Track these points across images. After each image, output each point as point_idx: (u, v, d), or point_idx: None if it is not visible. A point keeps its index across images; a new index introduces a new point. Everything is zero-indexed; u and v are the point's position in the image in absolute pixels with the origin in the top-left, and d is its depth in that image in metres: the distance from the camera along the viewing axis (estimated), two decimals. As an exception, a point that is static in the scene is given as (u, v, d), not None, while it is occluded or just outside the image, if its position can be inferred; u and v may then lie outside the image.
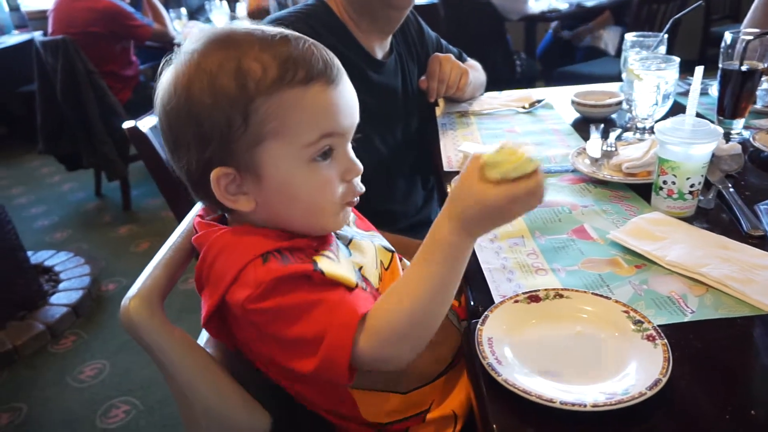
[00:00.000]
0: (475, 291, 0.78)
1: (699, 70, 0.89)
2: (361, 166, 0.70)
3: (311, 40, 0.66)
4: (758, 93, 1.32)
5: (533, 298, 0.72)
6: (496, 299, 0.74)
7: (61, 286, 2.37)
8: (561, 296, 0.72)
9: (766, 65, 1.17)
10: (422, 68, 1.42)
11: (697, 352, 0.64)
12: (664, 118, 1.13)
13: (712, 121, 1.09)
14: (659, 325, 0.66)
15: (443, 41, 1.55)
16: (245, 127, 0.62)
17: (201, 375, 0.69)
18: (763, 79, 1.24)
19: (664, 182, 0.90)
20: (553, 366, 0.63)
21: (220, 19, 3.64)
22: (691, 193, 0.89)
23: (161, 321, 0.67)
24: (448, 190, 1.08)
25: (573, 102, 1.41)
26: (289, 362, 0.63)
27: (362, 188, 0.72)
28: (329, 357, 0.59)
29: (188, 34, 3.23)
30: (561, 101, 1.53)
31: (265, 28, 0.66)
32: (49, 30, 3.00)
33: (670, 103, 1.22)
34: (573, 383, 0.60)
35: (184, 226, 0.82)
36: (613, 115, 1.39)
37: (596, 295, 0.72)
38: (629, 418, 0.55)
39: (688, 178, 0.88)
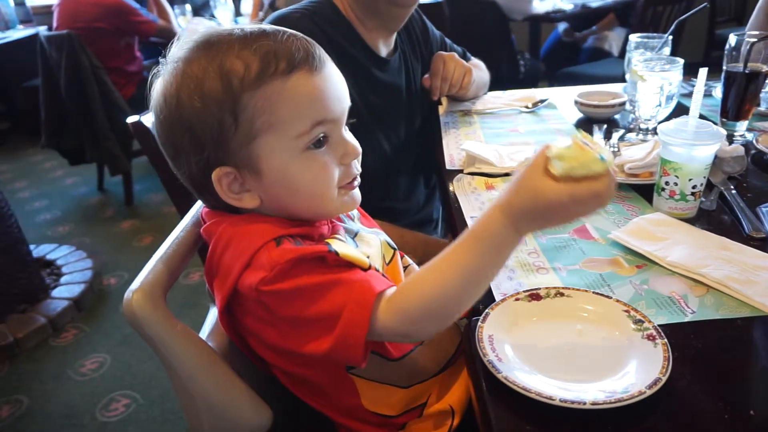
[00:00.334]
0: (476, 289, 0.78)
1: (703, 72, 0.89)
2: (359, 148, 0.70)
3: (290, 30, 0.67)
4: (762, 95, 1.32)
5: (534, 296, 0.73)
6: (497, 297, 0.74)
7: (63, 279, 2.37)
8: (562, 295, 0.72)
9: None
10: (426, 66, 1.42)
11: (697, 352, 0.64)
12: (668, 119, 1.13)
13: (716, 123, 1.09)
14: (659, 325, 0.66)
15: (447, 40, 1.55)
16: (237, 125, 0.63)
17: (203, 369, 0.70)
18: (767, 81, 1.24)
19: (666, 183, 0.90)
20: (554, 364, 0.63)
21: (224, 15, 3.64)
22: (693, 194, 0.89)
23: (164, 315, 0.67)
24: (450, 188, 1.09)
25: (576, 102, 1.41)
26: (303, 345, 0.63)
27: (359, 169, 0.72)
28: (346, 335, 0.60)
29: (192, 30, 3.23)
30: (564, 101, 1.53)
31: (245, 26, 0.67)
32: (54, 25, 3.01)
33: (673, 104, 1.22)
34: (573, 381, 0.60)
35: (187, 220, 0.82)
36: (617, 116, 1.39)
37: (597, 294, 0.72)
38: (629, 416, 0.56)
39: (690, 180, 0.88)
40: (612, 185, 0.56)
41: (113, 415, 1.74)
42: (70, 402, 1.80)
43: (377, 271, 0.67)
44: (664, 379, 0.57)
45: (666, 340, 0.63)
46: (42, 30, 3.57)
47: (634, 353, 0.63)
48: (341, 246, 0.65)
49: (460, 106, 1.55)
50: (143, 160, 3.37)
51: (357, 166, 0.72)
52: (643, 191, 1.00)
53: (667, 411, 0.57)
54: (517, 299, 0.72)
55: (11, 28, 4.32)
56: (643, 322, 0.66)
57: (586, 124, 1.37)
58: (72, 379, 1.90)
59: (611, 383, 0.59)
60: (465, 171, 1.14)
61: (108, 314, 2.24)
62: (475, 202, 1.02)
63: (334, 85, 0.67)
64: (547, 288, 0.73)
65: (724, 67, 1.21)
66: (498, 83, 1.72)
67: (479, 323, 0.67)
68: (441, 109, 1.52)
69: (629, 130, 1.28)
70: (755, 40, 1.15)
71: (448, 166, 1.19)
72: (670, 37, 1.34)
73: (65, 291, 2.28)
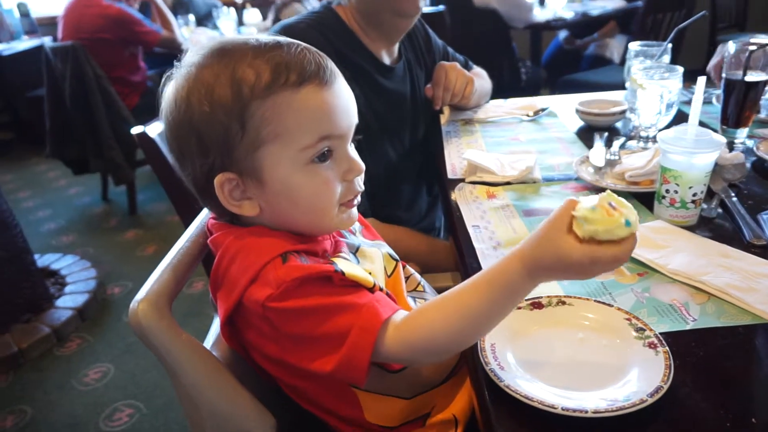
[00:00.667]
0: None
1: (701, 80, 0.90)
2: (362, 165, 0.70)
3: (304, 44, 0.67)
4: (762, 102, 1.32)
5: (536, 304, 0.73)
6: (499, 306, 0.74)
7: (67, 289, 2.38)
8: (563, 303, 0.73)
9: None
10: (429, 75, 1.43)
11: (698, 360, 0.64)
12: (668, 126, 1.14)
13: (716, 131, 1.09)
14: (661, 333, 0.66)
15: (450, 49, 1.56)
16: (243, 133, 0.63)
17: (207, 378, 0.70)
18: (767, 88, 1.24)
19: (667, 191, 0.91)
20: (555, 372, 0.64)
21: (227, 25, 3.67)
22: (693, 201, 0.90)
23: (169, 324, 0.68)
24: (452, 197, 1.09)
25: (577, 110, 1.41)
26: (306, 362, 0.63)
27: (362, 187, 0.73)
28: (350, 358, 0.60)
29: (196, 41, 3.26)
30: (565, 109, 1.54)
31: (260, 36, 0.68)
32: (60, 35, 3.04)
33: (674, 111, 1.23)
34: (575, 389, 0.61)
35: (192, 230, 0.83)
36: (617, 124, 1.40)
37: (598, 302, 0.73)
38: (630, 425, 0.56)
39: (690, 187, 0.88)
40: (633, 247, 0.56)
41: (117, 425, 1.74)
42: (73, 412, 1.81)
43: (381, 290, 0.67)
44: (666, 387, 0.58)
45: (667, 347, 0.63)
46: (47, 41, 3.60)
47: (636, 361, 0.63)
48: (347, 266, 0.66)
49: (462, 115, 1.56)
50: (147, 170, 3.39)
51: (359, 184, 0.72)
52: (643, 199, 1.00)
53: (669, 419, 0.57)
54: (518, 308, 0.72)
55: (16, 39, 4.36)
56: (644, 330, 0.67)
57: (587, 131, 1.37)
58: (76, 389, 1.90)
59: (613, 391, 0.60)
60: (466, 180, 1.15)
61: (112, 324, 2.24)
62: (477, 210, 1.02)
63: (343, 101, 0.68)
64: (548, 296, 0.74)
65: (724, 75, 1.22)
66: (499, 91, 1.73)
67: (481, 332, 0.67)
68: (443, 119, 1.53)
69: (630, 138, 1.28)
70: (755, 47, 1.15)
71: (449, 175, 1.19)
72: (670, 45, 1.35)
73: (69, 301, 2.29)
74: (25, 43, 4.25)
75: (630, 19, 3.27)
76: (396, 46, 1.34)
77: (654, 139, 1.22)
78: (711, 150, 0.87)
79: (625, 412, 0.55)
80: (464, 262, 0.88)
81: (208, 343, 0.83)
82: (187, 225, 0.86)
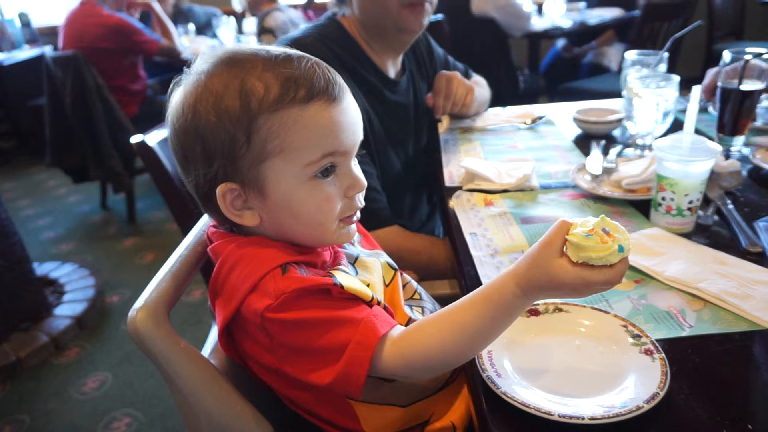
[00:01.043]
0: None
1: (696, 89, 0.91)
2: (364, 182, 0.71)
3: (314, 58, 0.68)
4: (758, 111, 1.33)
5: (533, 311, 0.73)
6: (497, 313, 0.75)
7: (66, 297, 2.38)
8: (560, 310, 0.73)
9: (765, 84, 1.18)
10: (431, 85, 1.44)
11: (695, 367, 0.64)
12: (665, 134, 1.15)
13: (712, 138, 1.10)
14: (657, 340, 0.67)
15: (450, 58, 1.58)
16: (248, 145, 0.64)
17: (206, 386, 0.70)
18: (762, 96, 1.25)
19: (663, 198, 0.91)
20: (552, 379, 0.64)
21: (227, 34, 3.68)
22: (689, 209, 0.90)
23: (167, 332, 0.68)
24: (450, 205, 1.10)
25: (575, 118, 1.42)
26: (303, 374, 0.64)
27: (362, 203, 0.73)
28: (347, 372, 0.61)
29: (196, 50, 3.28)
30: (563, 117, 1.54)
31: (271, 48, 0.68)
32: (60, 45, 3.06)
33: (670, 120, 1.24)
34: (571, 396, 0.61)
35: (191, 238, 0.83)
36: (615, 132, 1.41)
37: (595, 309, 0.73)
38: (627, 431, 0.56)
39: (686, 195, 0.89)
40: (625, 270, 0.58)
41: (115, 434, 1.73)
42: (72, 421, 1.80)
43: (379, 303, 0.68)
44: (662, 393, 0.58)
45: (664, 354, 0.63)
46: (48, 50, 3.62)
47: (632, 368, 0.63)
48: (346, 279, 0.66)
49: (461, 123, 1.57)
50: (145, 178, 3.39)
51: (360, 200, 0.72)
52: (640, 207, 1.01)
53: (666, 426, 0.57)
54: (515, 315, 0.72)
55: (17, 49, 4.38)
56: (641, 336, 0.67)
57: (584, 139, 1.38)
58: (74, 398, 1.90)
59: (609, 398, 0.60)
60: (464, 187, 1.15)
61: (110, 332, 2.24)
62: (474, 218, 1.03)
63: (350, 118, 0.68)
64: (545, 303, 0.74)
65: (719, 83, 1.22)
66: (498, 99, 1.74)
67: (478, 339, 0.68)
68: (441, 127, 1.54)
69: (627, 146, 1.29)
70: (750, 56, 1.16)
71: (447, 183, 1.20)
72: (666, 54, 1.36)
73: (68, 309, 2.29)
74: (26, 53, 4.27)
75: (628, 28, 3.29)
76: (400, 58, 1.35)
77: (650, 147, 1.23)
78: (706, 158, 0.88)
79: (622, 418, 0.55)
80: (462, 269, 0.88)
81: (207, 351, 0.83)
82: (185, 233, 0.87)
